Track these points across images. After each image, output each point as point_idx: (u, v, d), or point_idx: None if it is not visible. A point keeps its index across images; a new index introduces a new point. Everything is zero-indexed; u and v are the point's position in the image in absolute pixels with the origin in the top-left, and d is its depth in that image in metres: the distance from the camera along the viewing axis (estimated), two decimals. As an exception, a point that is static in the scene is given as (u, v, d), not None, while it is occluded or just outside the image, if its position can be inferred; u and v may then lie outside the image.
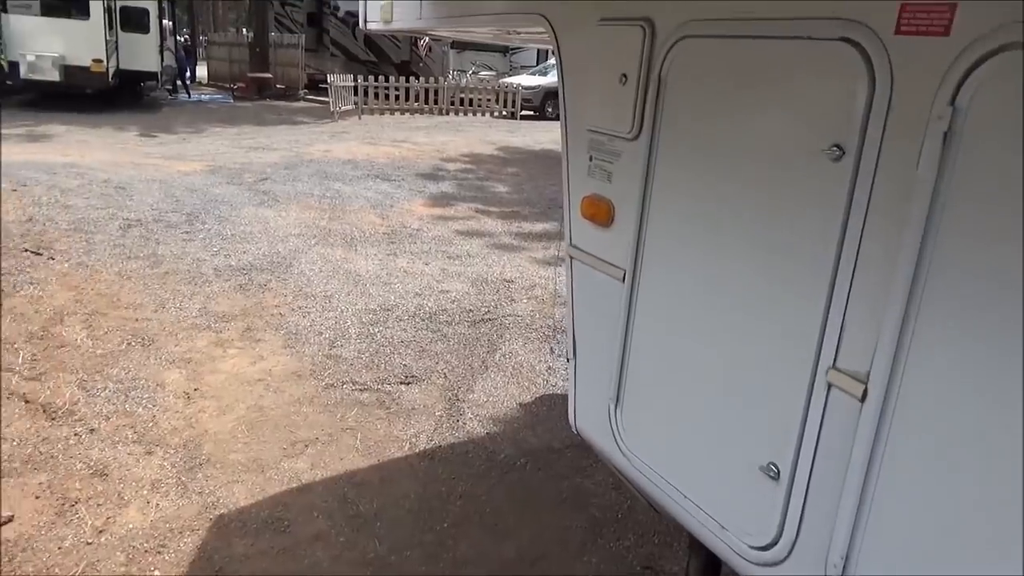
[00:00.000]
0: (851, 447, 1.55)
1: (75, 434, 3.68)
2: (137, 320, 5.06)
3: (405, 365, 4.72)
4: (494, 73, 25.07)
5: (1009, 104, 1.27)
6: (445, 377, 4.60)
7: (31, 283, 5.54)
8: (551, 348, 5.11)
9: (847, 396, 1.56)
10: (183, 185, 9.28)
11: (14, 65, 16.42)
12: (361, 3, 4.24)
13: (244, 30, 28.67)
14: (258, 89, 22.58)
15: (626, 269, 2.17)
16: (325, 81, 19.93)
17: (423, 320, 5.47)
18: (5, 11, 16.37)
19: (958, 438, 1.36)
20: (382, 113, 19.36)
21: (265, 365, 4.57)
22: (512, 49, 27.30)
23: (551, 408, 4.31)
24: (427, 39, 23.97)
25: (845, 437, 1.57)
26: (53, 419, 3.80)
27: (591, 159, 2.29)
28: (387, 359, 4.79)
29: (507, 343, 5.16)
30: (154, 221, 7.49)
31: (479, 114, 20.71)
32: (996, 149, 1.30)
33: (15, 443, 3.56)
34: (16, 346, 4.53)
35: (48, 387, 4.10)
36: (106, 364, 4.40)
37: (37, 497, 3.20)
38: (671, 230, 2.03)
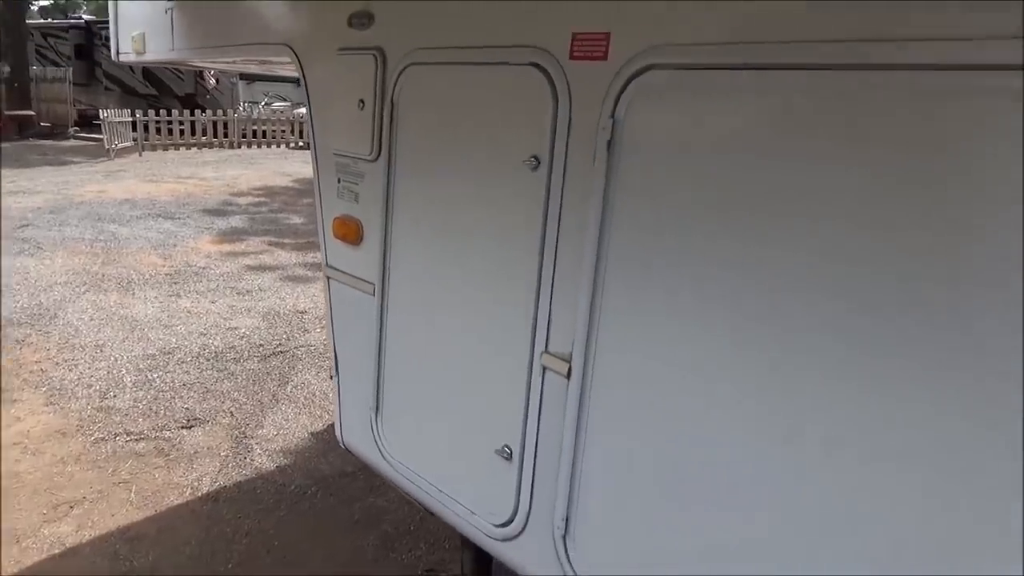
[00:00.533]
0: (563, 420, 1.71)
1: None
2: None
3: (187, 408, 4.49)
4: (288, 104, 24.48)
5: (653, 114, 1.48)
6: (232, 416, 4.42)
7: None
8: (344, 375, 5.06)
9: (557, 376, 1.72)
10: (-76, 238, 8.25)
11: None
12: (112, 33, 4.04)
13: (-1, 64, 25.97)
14: (19, 128, 20.53)
15: (375, 283, 2.25)
16: (99, 117, 18.52)
17: (208, 360, 5.23)
18: None
19: (643, 403, 1.54)
20: (165, 149, 18.28)
21: (22, 427, 4.17)
22: (304, 79, 26.79)
23: (344, 434, 4.27)
24: (214, 71, 22.98)
25: (559, 412, 1.73)
26: None
27: (339, 181, 2.35)
28: (167, 404, 4.53)
29: (299, 374, 5.06)
30: None
31: (274, 146, 20.13)
32: (645, 153, 1.50)
33: None
34: None
35: None
36: None
37: None
38: (412, 243, 2.14)
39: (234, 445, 4.09)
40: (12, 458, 3.84)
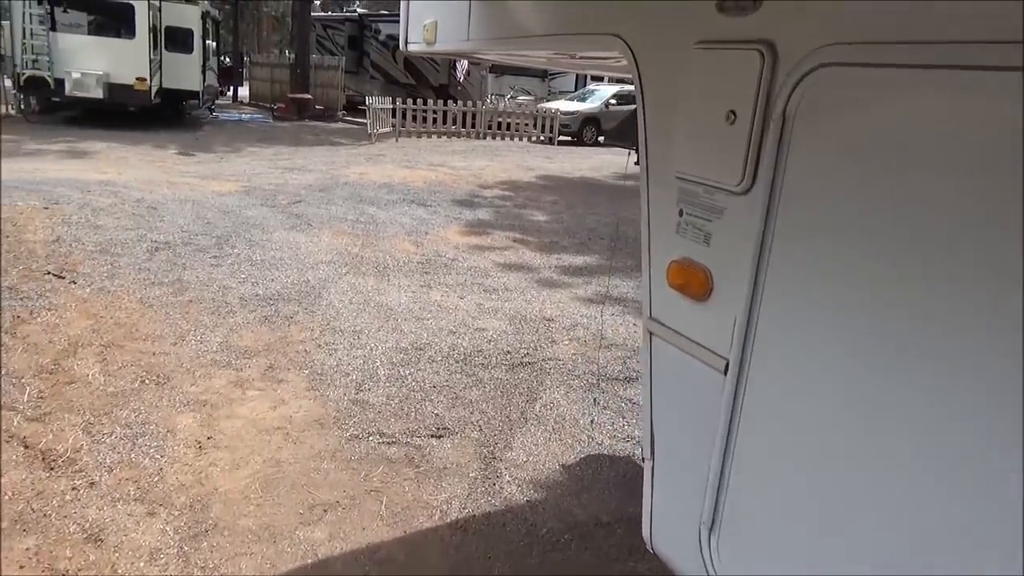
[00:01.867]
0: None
1: (73, 488, 3.30)
2: (154, 354, 4.70)
3: (437, 415, 4.29)
4: (532, 98, 24.81)
5: None
6: (480, 430, 4.16)
7: (49, 309, 5.23)
8: (595, 399, 4.64)
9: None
10: (216, 206, 9.01)
11: (60, 82, 16.48)
12: (401, 23, 3.87)
13: (287, 51, 28.81)
14: (298, 110, 22.55)
15: (729, 359, 1.71)
16: (363, 103, 19.81)
17: (457, 362, 5.05)
18: (54, 30, 16.47)
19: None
20: (419, 136, 19.14)
21: (286, 410, 4.17)
22: (551, 74, 27.08)
23: (597, 472, 3.84)
24: (466, 63, 23.81)
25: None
26: (52, 468, 3.43)
27: (681, 214, 1.85)
28: (418, 406, 4.36)
29: (548, 391, 4.71)
30: (183, 244, 7.19)
31: (516, 139, 20.41)
32: None
33: (6, 497, 3.19)
34: (23, 381, 4.19)
35: (51, 430, 3.73)
36: (116, 405, 4.03)
37: (21, 567, 2.81)
38: (795, 312, 1.58)
39: (483, 466, 3.80)
40: (275, 444, 3.82)
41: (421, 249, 8.05)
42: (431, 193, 11.30)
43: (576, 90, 26.03)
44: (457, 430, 4.13)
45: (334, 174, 12.28)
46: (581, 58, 3.32)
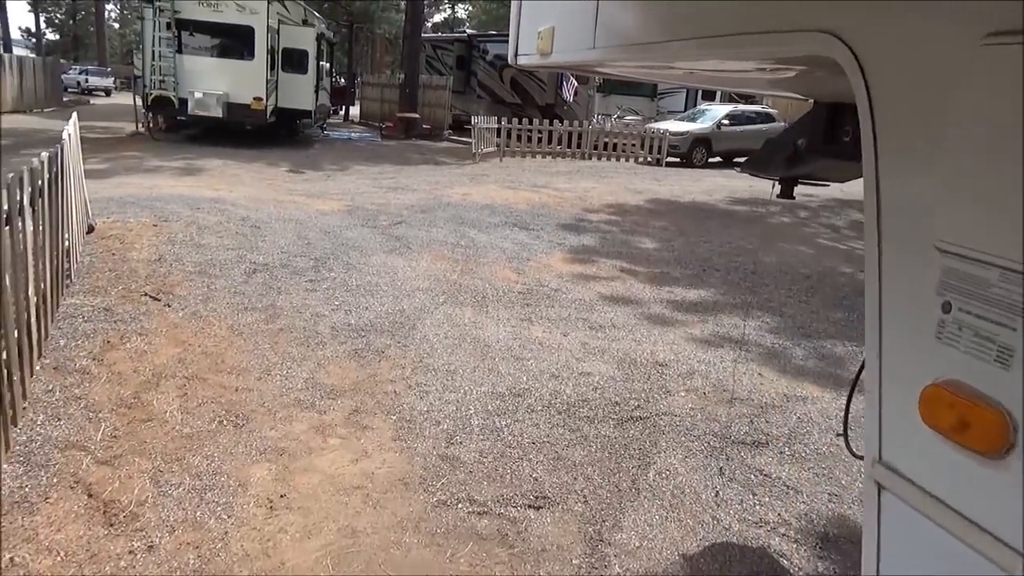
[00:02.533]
0: None
1: (130, 552, 2.93)
2: (236, 390, 4.37)
3: (536, 479, 3.74)
4: (640, 118, 24.10)
5: None
6: (586, 501, 3.58)
7: (140, 334, 5.02)
8: (720, 468, 3.98)
9: None
10: (318, 226, 8.83)
11: (183, 101, 17.08)
12: (511, 31, 3.37)
13: (397, 72, 29.27)
14: (405, 128, 22.68)
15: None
16: (469, 122, 19.66)
17: (559, 413, 4.49)
18: (180, 52, 17.10)
19: None
20: (523, 156, 18.78)
21: (368, 465, 3.72)
22: (660, 93, 26.30)
23: (725, 567, 3.19)
24: (575, 81, 23.38)
25: None
26: (111, 525, 3.09)
27: (947, 309, 1.19)
28: (514, 467, 3.83)
29: (663, 455, 4.09)
30: (281, 266, 6.97)
31: (623, 159, 19.76)
32: None
33: (59, 557, 2.86)
34: (100, 416, 3.92)
35: (119, 476, 3.41)
36: (190, 449, 3.69)
37: (58, 653, 2.44)
38: None
39: (588, 549, 3.22)
40: (353, 507, 3.37)
41: (522, 277, 7.56)
42: (534, 216, 10.83)
43: (686, 109, 25.14)
44: (558, 500, 3.56)
45: (436, 194, 12.01)
46: (759, 71, 2.61)
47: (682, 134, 20.33)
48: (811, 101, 3.30)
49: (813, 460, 4.15)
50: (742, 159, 21.65)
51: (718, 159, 20.93)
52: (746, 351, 5.84)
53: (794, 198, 3.63)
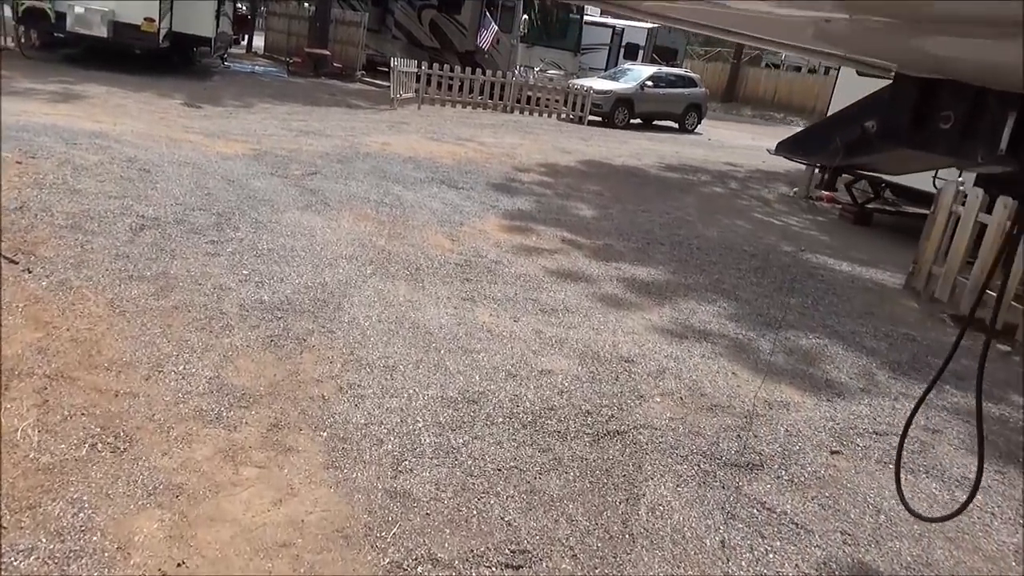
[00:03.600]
0: None
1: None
2: (117, 395, 3.38)
3: (509, 523, 2.98)
4: (562, 72, 23.25)
5: None
6: (574, 556, 2.86)
7: (-11, 308, 3.90)
8: (719, 503, 3.34)
9: None
10: (220, 173, 7.62)
11: (61, 16, 14.93)
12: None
13: (306, 3, 27.12)
14: (314, 65, 20.96)
15: None
16: (384, 64, 18.31)
17: (524, 427, 3.73)
18: (58, -41, 14.89)
19: None
20: (443, 104, 17.64)
21: (296, 509, 2.86)
22: (582, 49, 25.47)
23: (756, 652, 2.55)
24: (495, 27, 22.19)
25: None
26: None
27: None
28: (480, 505, 3.06)
29: (651, 484, 3.41)
30: (175, 222, 5.83)
31: (545, 115, 18.92)
32: None
33: None
34: (-78, 434, 2.87)
35: (-59, 533, 2.42)
36: (48, 491, 2.71)
37: None
38: None
39: (588, 631, 2.50)
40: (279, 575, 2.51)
41: (458, 245, 6.70)
42: (462, 173, 9.90)
43: (608, 68, 24.47)
44: (541, 554, 2.82)
45: (353, 142, 10.86)
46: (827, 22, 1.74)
47: (606, 93, 19.65)
48: (892, 74, 2.55)
49: (815, 487, 3.58)
50: (662, 122, 21.28)
51: (638, 121, 20.43)
52: (712, 343, 5.24)
53: (836, 190, 2.93)
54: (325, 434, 3.38)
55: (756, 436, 3.98)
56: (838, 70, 11.27)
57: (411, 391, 3.89)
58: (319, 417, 3.50)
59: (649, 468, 3.53)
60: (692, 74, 22.79)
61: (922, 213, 11.51)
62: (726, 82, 34.67)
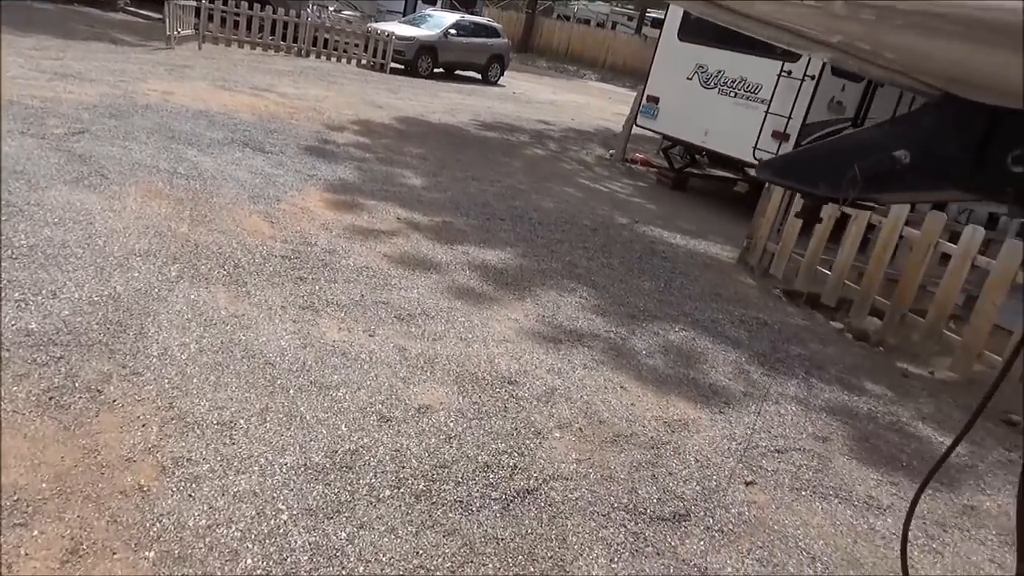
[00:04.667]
0: None
1: None
2: None
3: (434, 667, 2.23)
4: (358, 15, 21.55)
5: None
6: None
7: None
8: (664, 581, 2.81)
9: None
10: (-55, 133, 5.80)
11: None
12: None
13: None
14: (63, -12, 17.57)
15: None
16: (156, -7, 15.70)
17: (417, 497, 2.95)
18: None
19: None
20: (228, 44, 15.54)
21: None
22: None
23: None
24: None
25: None
26: None
27: None
28: (390, 643, 2.27)
29: (582, 563, 2.79)
30: None
31: (343, 60, 17.40)
32: None
33: None
34: None
35: None
36: None
37: None
38: None
39: None
40: None
41: (280, 229, 5.59)
42: (267, 132, 8.55)
43: (406, 13, 23.10)
44: None
45: (128, 90, 9.01)
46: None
47: (409, 40, 18.45)
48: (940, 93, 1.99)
49: (745, 536, 3.18)
50: (466, 72, 20.49)
51: (441, 70, 19.51)
52: (589, 348, 4.73)
53: (820, 220, 2.41)
54: (152, 554, 2.37)
55: (670, 473, 3.51)
56: (658, 37, 11.11)
57: (263, 460, 2.94)
58: (139, 525, 2.47)
59: (574, 539, 2.91)
60: (495, 24, 22.15)
61: (732, 178, 11.94)
62: (521, 32, 34.46)
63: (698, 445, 3.82)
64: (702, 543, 3.06)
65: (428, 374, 3.93)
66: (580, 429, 3.71)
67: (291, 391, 3.47)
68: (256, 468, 2.89)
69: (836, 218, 6.71)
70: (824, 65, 8.61)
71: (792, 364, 5.23)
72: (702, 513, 3.25)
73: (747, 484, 3.56)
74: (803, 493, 3.60)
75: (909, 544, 3.35)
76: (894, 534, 3.42)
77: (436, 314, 4.71)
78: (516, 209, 7.72)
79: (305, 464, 2.97)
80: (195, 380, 3.38)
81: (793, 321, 6.23)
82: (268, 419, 3.21)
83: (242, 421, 3.16)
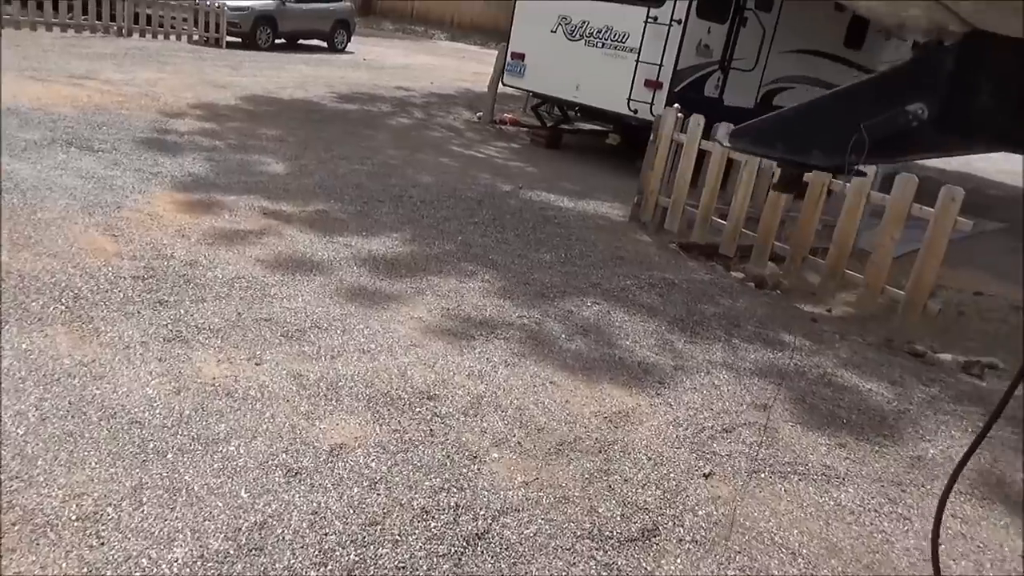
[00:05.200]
0: None
1: None
2: None
3: None
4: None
5: None
6: None
7: None
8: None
9: None
10: None
11: None
12: None
13: None
14: None
15: None
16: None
17: (349, 572, 2.41)
18: None
19: None
20: (34, 28, 13.63)
21: None
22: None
23: None
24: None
25: None
26: None
27: None
28: None
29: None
30: None
31: (173, 38, 15.78)
32: None
33: None
34: None
35: None
36: None
37: None
38: None
39: None
40: None
41: (126, 244, 4.74)
42: (94, 127, 7.43)
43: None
44: None
45: (-90, 91, 7.55)
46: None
47: (243, 10, 16.98)
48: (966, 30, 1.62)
49: (721, 544, 2.86)
50: (311, 41, 19.14)
51: (283, 41, 18.16)
52: (505, 340, 4.27)
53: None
54: None
55: (626, 480, 3.13)
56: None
57: (145, 561, 2.29)
58: None
59: (542, 586, 2.48)
60: (336, -13, 20.79)
61: (604, 130, 11.72)
62: (362, -6, 32.82)
63: (645, 439, 3.47)
64: (679, 560, 2.71)
65: (334, 403, 3.34)
66: (519, 443, 3.26)
67: (169, 455, 2.80)
68: (138, 572, 2.25)
69: (725, 165, 6.55)
70: (689, 8, 8.42)
71: (711, 326, 5.01)
72: (671, 524, 2.90)
73: (706, 477, 3.25)
74: (762, 476, 3.33)
75: (879, 515, 3.16)
76: (859, 506, 3.22)
77: (329, 325, 4.09)
78: (394, 188, 7.09)
79: (202, 555, 2.35)
80: (40, 462, 2.65)
81: (698, 277, 6.04)
82: (145, 500, 2.55)
83: (110, 509, 2.48)
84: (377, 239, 5.61)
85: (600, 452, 3.29)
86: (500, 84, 10.97)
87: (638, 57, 8.83)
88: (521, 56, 10.28)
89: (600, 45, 9.33)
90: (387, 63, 17.99)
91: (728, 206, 6.52)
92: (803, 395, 4.20)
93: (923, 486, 3.47)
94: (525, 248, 6.00)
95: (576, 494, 2.98)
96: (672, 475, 3.21)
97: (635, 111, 8.89)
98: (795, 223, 6.09)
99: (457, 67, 19.10)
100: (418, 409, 3.39)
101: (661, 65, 8.61)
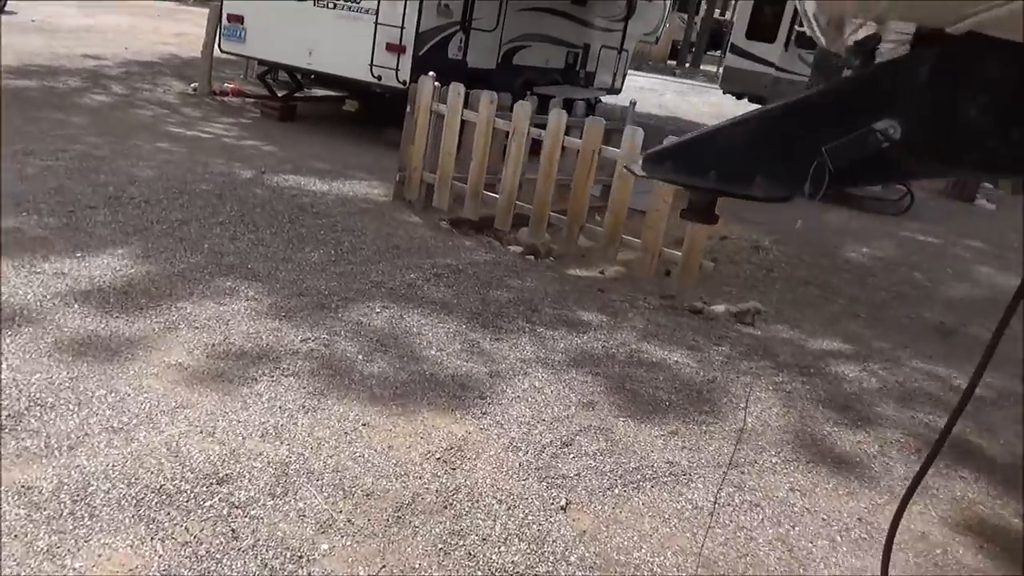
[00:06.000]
0: None
1: None
2: None
3: None
4: None
5: None
6: None
7: None
8: None
9: None
10: None
11: None
12: None
13: None
14: None
15: None
16: None
17: None
18: None
19: None
20: None
21: None
22: None
23: None
24: None
25: None
26: None
27: None
28: None
29: None
30: None
31: None
32: None
33: None
34: None
35: None
36: None
37: None
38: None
39: None
40: None
41: None
42: None
43: None
44: None
45: None
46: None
47: None
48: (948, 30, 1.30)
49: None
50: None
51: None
52: (295, 376, 3.54)
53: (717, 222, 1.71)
54: None
55: (484, 539, 2.67)
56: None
57: None
58: None
59: None
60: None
61: (338, 96, 10.81)
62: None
63: (489, 477, 3.02)
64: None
65: (87, 521, 2.44)
66: (349, 521, 2.63)
67: None
68: None
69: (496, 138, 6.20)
70: (425, -33, 7.85)
71: (510, 315, 4.67)
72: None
73: (564, 510, 2.90)
74: (616, 491, 3.07)
75: (733, 508, 3.05)
76: (712, 503, 3.09)
77: (56, 398, 3.06)
78: (107, 187, 5.77)
79: None
80: None
81: (480, 258, 5.68)
82: None
83: None
84: (98, 260, 4.45)
85: (446, 507, 2.79)
86: (217, 50, 9.57)
87: (376, 19, 8.10)
88: (240, 19, 8.99)
89: (332, 6, 8.42)
90: (64, 25, 15.09)
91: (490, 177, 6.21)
92: (621, 382, 4.03)
93: (756, 462, 3.46)
94: (287, 249, 5.18)
95: (435, 574, 2.45)
96: (530, 517, 2.81)
97: (379, 77, 8.20)
98: (568, 190, 5.94)
99: (154, 27, 16.66)
100: (209, 503, 2.61)
101: (403, 28, 7.98)
